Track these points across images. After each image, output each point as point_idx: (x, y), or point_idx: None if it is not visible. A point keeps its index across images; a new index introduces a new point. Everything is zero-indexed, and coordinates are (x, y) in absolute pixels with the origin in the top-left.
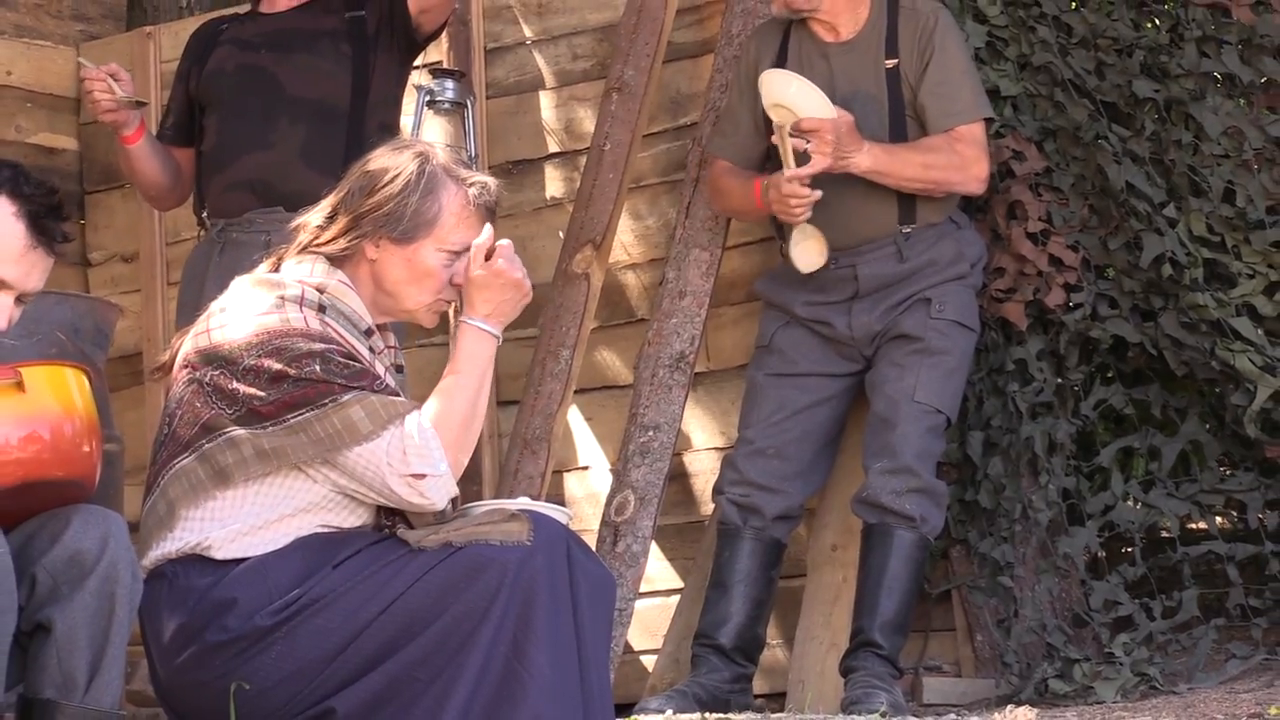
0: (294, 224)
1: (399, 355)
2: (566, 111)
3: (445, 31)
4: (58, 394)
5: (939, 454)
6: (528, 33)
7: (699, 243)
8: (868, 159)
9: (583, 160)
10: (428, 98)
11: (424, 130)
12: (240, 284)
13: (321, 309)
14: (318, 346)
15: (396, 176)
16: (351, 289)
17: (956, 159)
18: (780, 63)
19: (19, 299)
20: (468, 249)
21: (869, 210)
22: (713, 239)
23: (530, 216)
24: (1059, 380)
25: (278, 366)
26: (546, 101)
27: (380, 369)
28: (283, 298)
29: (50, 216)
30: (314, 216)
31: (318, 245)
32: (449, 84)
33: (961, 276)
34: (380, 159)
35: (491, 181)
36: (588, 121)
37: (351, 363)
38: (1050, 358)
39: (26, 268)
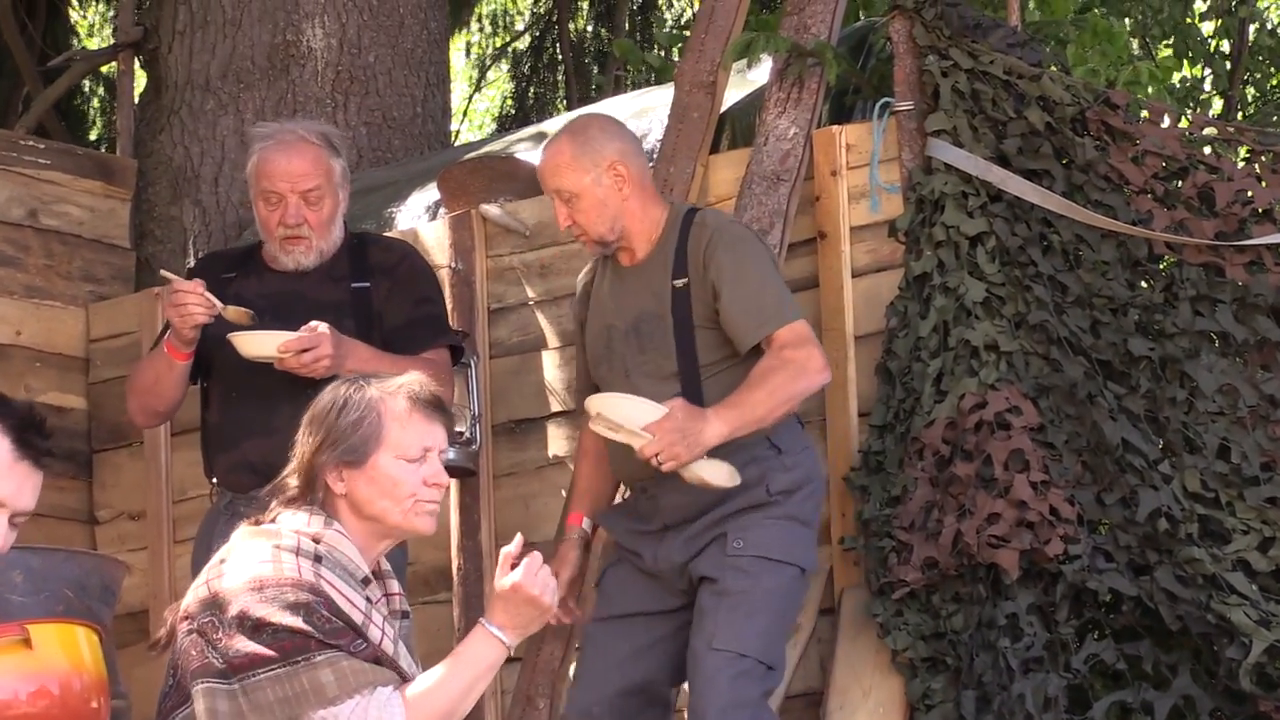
0: (270, 486)
1: (404, 601)
2: (569, 371)
3: (450, 292)
4: (67, 651)
5: (756, 699)
6: (530, 293)
7: None
8: (717, 428)
9: (579, 419)
10: None
11: None
12: (239, 534)
13: (318, 559)
14: (304, 597)
15: (330, 408)
16: (346, 537)
17: (793, 367)
18: (589, 290)
19: (12, 521)
20: (429, 450)
21: None
22: None
23: (533, 475)
24: (1049, 635)
25: (260, 614)
26: (549, 361)
27: (378, 618)
28: (279, 546)
29: (33, 431)
30: (287, 474)
31: (297, 498)
32: None
33: (760, 505)
34: (316, 404)
35: (419, 378)
36: None
37: (334, 619)
38: (1038, 612)
39: (17, 482)
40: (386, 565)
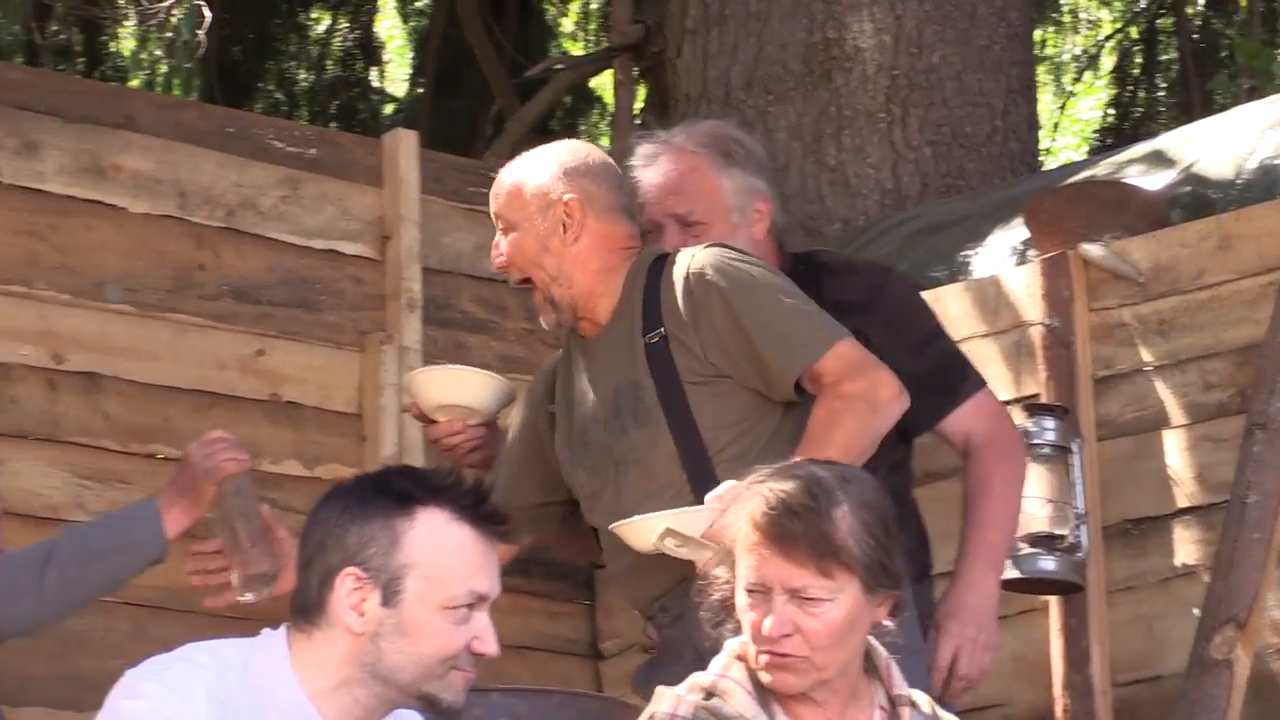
0: None
1: None
2: (1198, 455)
3: (1042, 354)
4: None
5: None
6: (1146, 356)
7: None
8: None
9: (1220, 517)
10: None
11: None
12: None
13: None
14: None
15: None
16: (743, 689)
17: (860, 404)
18: (550, 382)
19: None
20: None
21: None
22: None
23: (1156, 589)
24: None
25: None
26: (1172, 443)
27: None
28: (652, 715)
29: (486, 503)
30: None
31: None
32: (1049, 423)
33: None
34: None
35: (772, 494)
36: (1226, 467)
37: None
38: None
39: (493, 569)
40: (902, 688)
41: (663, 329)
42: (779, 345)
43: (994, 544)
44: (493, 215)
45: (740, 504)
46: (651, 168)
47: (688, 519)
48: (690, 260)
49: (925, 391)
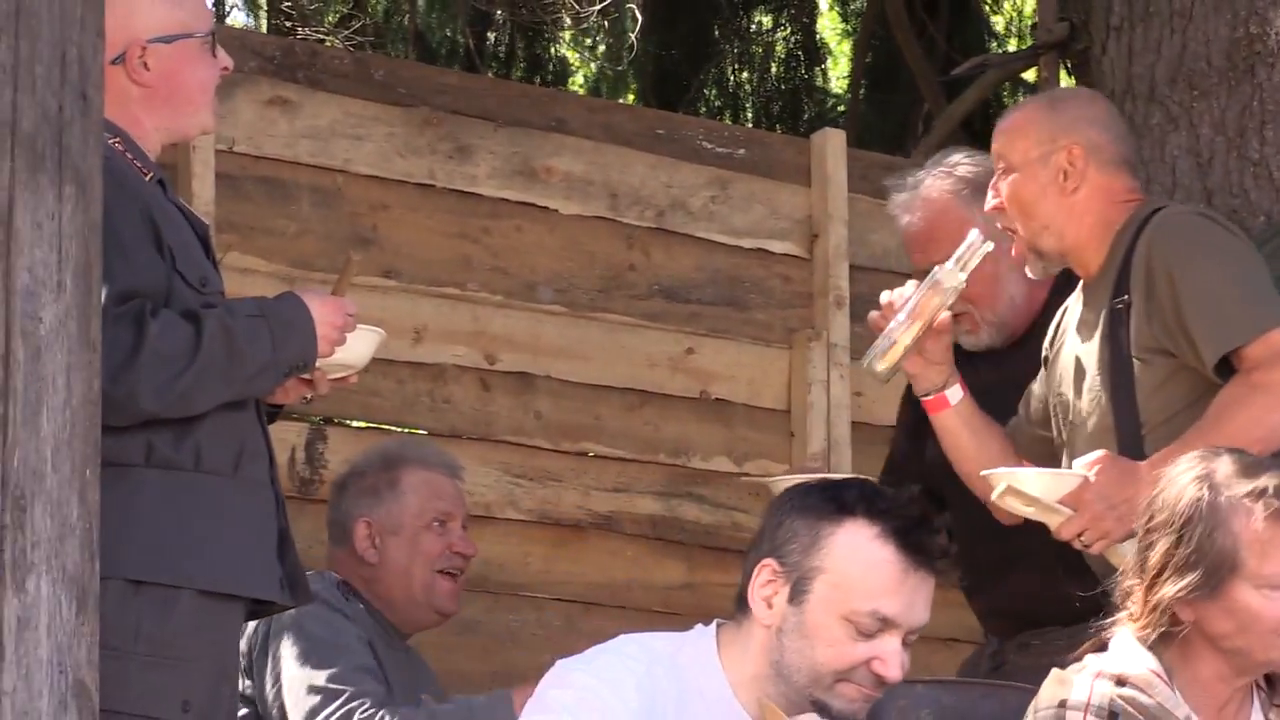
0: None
1: None
2: None
3: None
4: None
5: None
6: None
7: None
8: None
9: None
10: None
11: None
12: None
13: (1113, 717)
14: None
15: (1171, 515)
16: (1162, 680)
17: (1265, 395)
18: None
19: (904, 640)
20: None
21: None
22: None
23: None
24: None
25: None
26: None
27: None
28: (1063, 702)
29: (922, 530)
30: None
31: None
32: None
33: None
34: (1164, 503)
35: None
36: None
37: None
38: None
39: (907, 597)
40: None
41: (1127, 295)
42: (1207, 324)
43: None
44: (993, 154)
45: (1230, 511)
46: (906, 212)
47: (1035, 480)
48: (1158, 225)
49: None
